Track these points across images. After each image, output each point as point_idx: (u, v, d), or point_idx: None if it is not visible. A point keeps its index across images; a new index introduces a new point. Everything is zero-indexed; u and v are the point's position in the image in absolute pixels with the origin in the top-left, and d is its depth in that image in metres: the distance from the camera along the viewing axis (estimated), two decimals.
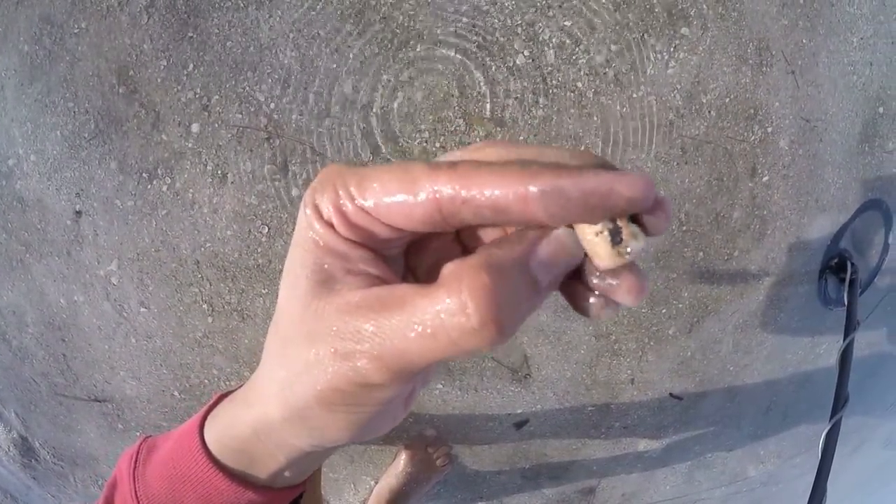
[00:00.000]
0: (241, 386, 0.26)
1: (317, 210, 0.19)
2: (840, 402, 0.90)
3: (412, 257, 0.21)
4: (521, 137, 0.82)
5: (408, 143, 0.82)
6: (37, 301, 0.95)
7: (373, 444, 1.02)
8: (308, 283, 0.19)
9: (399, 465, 0.97)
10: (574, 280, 0.18)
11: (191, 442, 0.26)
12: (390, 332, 0.17)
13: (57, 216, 0.88)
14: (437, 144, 0.81)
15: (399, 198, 0.17)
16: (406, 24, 0.77)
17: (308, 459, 0.26)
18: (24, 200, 0.88)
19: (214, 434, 0.26)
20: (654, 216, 0.17)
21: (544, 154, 0.18)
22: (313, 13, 0.77)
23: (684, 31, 0.82)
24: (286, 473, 0.26)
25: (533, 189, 0.15)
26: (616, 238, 0.16)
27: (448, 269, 0.16)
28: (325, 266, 0.19)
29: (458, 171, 0.16)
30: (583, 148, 0.83)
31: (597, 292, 0.18)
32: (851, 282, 1.01)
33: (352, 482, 1.06)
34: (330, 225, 0.19)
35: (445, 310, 0.15)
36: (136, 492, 0.28)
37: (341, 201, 0.18)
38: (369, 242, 0.19)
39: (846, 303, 1.00)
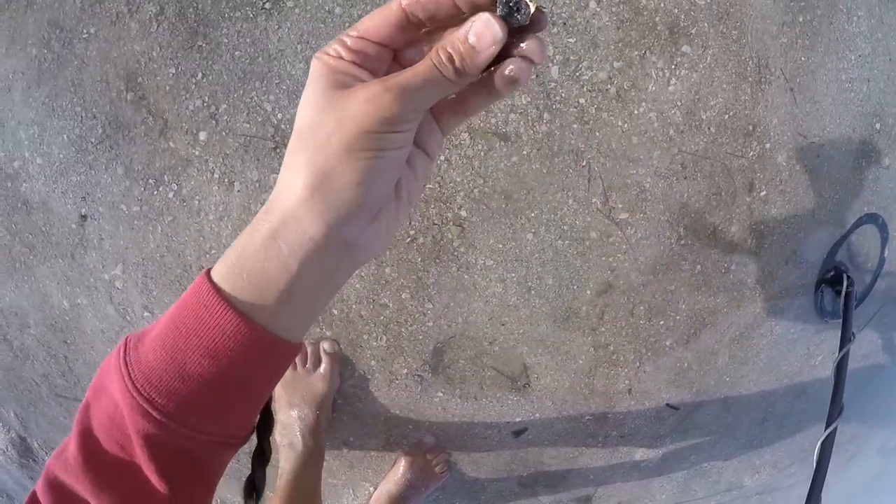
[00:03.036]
0: None
1: (326, 52, 0.27)
2: (835, 412, 0.92)
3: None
4: (525, 152, 0.83)
5: None
6: (39, 303, 0.96)
7: (372, 450, 1.03)
8: (330, 88, 0.26)
9: (398, 471, 0.98)
10: (496, 67, 0.27)
11: (199, 287, 0.28)
12: (404, 77, 0.26)
13: (62, 219, 0.88)
14: (442, 157, 0.82)
15: (381, 16, 0.27)
16: None
17: (314, 290, 0.29)
18: (29, 203, 0.89)
19: (225, 266, 0.28)
20: None
21: None
22: (322, 25, 0.78)
23: (685, 48, 0.84)
24: (292, 311, 0.28)
25: None
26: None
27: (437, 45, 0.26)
28: (340, 77, 0.27)
29: None
30: (584, 163, 0.84)
31: (514, 58, 0.26)
32: (847, 294, 1.03)
33: (350, 487, 1.06)
34: (338, 56, 0.27)
35: (433, 62, 0.26)
36: (129, 377, 0.28)
37: (343, 39, 0.27)
38: (364, 62, 0.27)
39: (842, 315, 1.01)
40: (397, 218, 0.30)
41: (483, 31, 0.25)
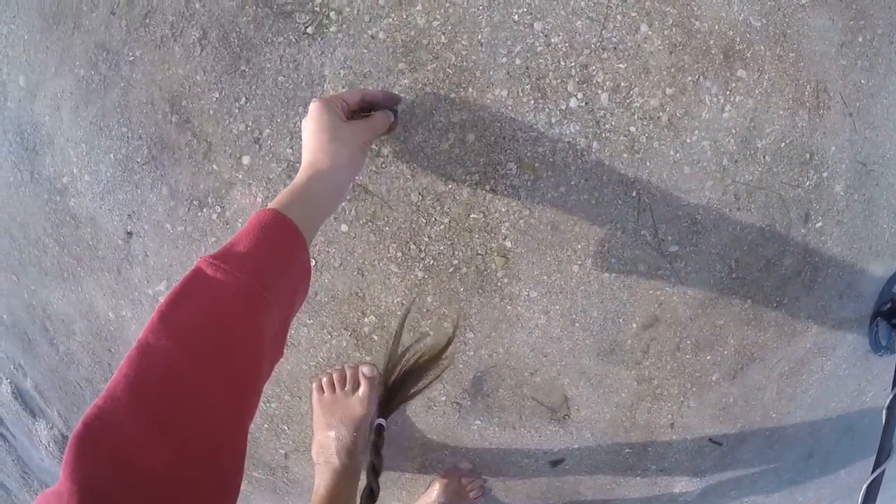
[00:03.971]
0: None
1: (324, 97, 0.64)
2: (884, 454, 0.88)
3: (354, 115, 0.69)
4: (573, 182, 0.81)
5: (458, 185, 0.82)
6: (85, 312, 0.98)
7: (407, 472, 1.02)
8: (334, 116, 0.62)
9: (432, 494, 0.98)
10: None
11: (262, 213, 0.54)
12: (371, 123, 0.67)
13: (109, 235, 0.90)
14: (487, 187, 0.80)
15: (354, 96, 0.67)
16: (459, 65, 0.77)
17: (320, 215, 0.60)
18: (77, 217, 0.91)
19: (282, 200, 0.56)
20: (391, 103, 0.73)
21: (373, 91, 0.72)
22: (365, 51, 0.77)
23: (741, 73, 0.80)
24: (315, 221, 0.58)
25: (378, 93, 0.71)
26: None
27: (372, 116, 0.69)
28: (333, 111, 0.62)
29: (368, 90, 0.73)
30: (634, 193, 0.82)
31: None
32: None
33: None
34: (333, 104, 0.63)
35: (375, 122, 0.68)
36: (241, 269, 0.48)
37: (335, 97, 0.65)
38: (344, 111, 0.64)
39: None
40: (351, 185, 0.70)
41: (388, 116, 0.70)
